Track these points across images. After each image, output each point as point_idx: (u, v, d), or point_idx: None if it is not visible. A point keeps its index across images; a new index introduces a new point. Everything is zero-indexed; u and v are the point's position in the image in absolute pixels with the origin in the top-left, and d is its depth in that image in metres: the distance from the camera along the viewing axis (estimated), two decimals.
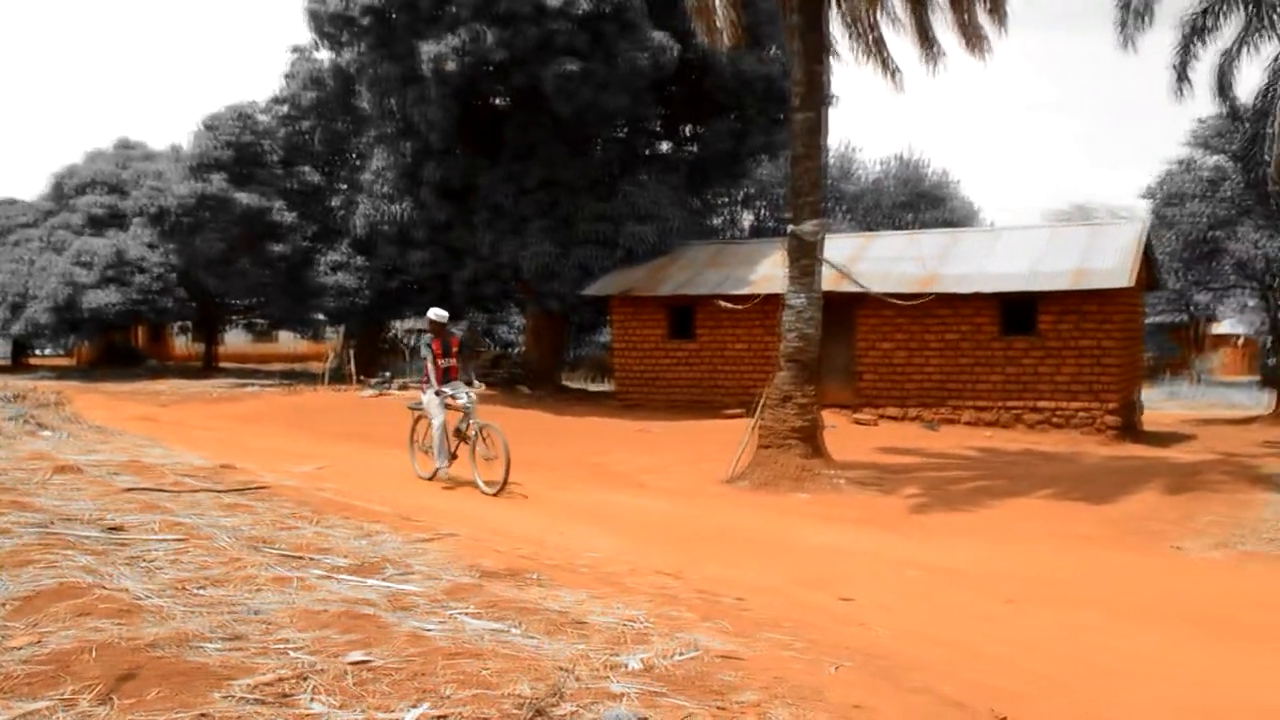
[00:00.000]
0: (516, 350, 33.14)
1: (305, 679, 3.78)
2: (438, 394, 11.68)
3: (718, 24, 13.86)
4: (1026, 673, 5.30)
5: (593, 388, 29.32)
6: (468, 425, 11.57)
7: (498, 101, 24.12)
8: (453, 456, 11.74)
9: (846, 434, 17.69)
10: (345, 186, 29.42)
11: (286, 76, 29.51)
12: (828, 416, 17.58)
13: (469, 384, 11.96)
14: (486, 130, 23.87)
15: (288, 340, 45.41)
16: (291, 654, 4.07)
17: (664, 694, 3.85)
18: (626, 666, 4.20)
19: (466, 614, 4.93)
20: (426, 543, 7.05)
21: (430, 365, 11.78)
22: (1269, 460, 14.88)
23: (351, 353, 29.79)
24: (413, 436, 12.58)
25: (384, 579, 5.69)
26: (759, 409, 13.64)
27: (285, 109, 29.50)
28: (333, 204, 29.30)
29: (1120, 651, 5.87)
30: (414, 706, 3.55)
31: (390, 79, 22.53)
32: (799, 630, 5.46)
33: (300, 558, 6.10)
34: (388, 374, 26.70)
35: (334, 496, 9.44)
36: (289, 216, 28.69)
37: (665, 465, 14.30)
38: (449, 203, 23.86)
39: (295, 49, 29.12)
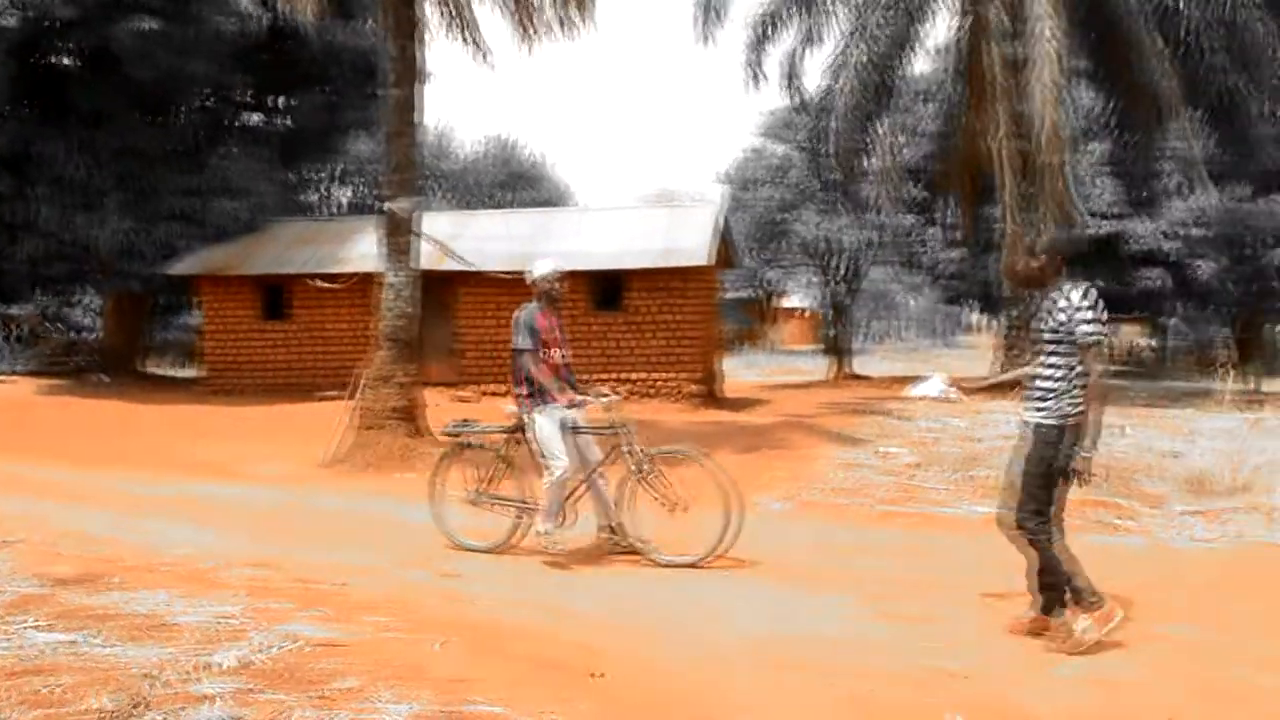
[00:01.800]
0: (94, 335, 30.34)
1: None
2: (569, 407, 7.24)
3: None
4: (619, 629, 5.62)
5: (181, 373, 27.54)
6: (616, 453, 7.26)
7: (65, 62, 21.88)
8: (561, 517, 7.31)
9: (450, 412, 17.80)
10: None
11: None
12: (431, 395, 17.56)
13: (572, 386, 7.54)
14: (51, 93, 21.57)
15: None
16: None
17: (260, 690, 3.75)
18: (219, 666, 4.04)
19: (33, 627, 4.52)
20: None
21: (533, 365, 7.25)
22: (827, 419, 16.58)
23: None
24: (437, 479, 7.86)
25: None
26: (359, 390, 13.41)
27: None
28: None
29: (693, 597, 6.36)
30: None
31: None
32: (403, 610, 5.47)
33: None
34: None
35: None
36: None
37: (262, 452, 13.71)
38: (4, 173, 21.35)
39: None
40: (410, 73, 13.23)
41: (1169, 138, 19.38)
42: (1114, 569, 6.86)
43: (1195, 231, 27.73)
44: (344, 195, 37.17)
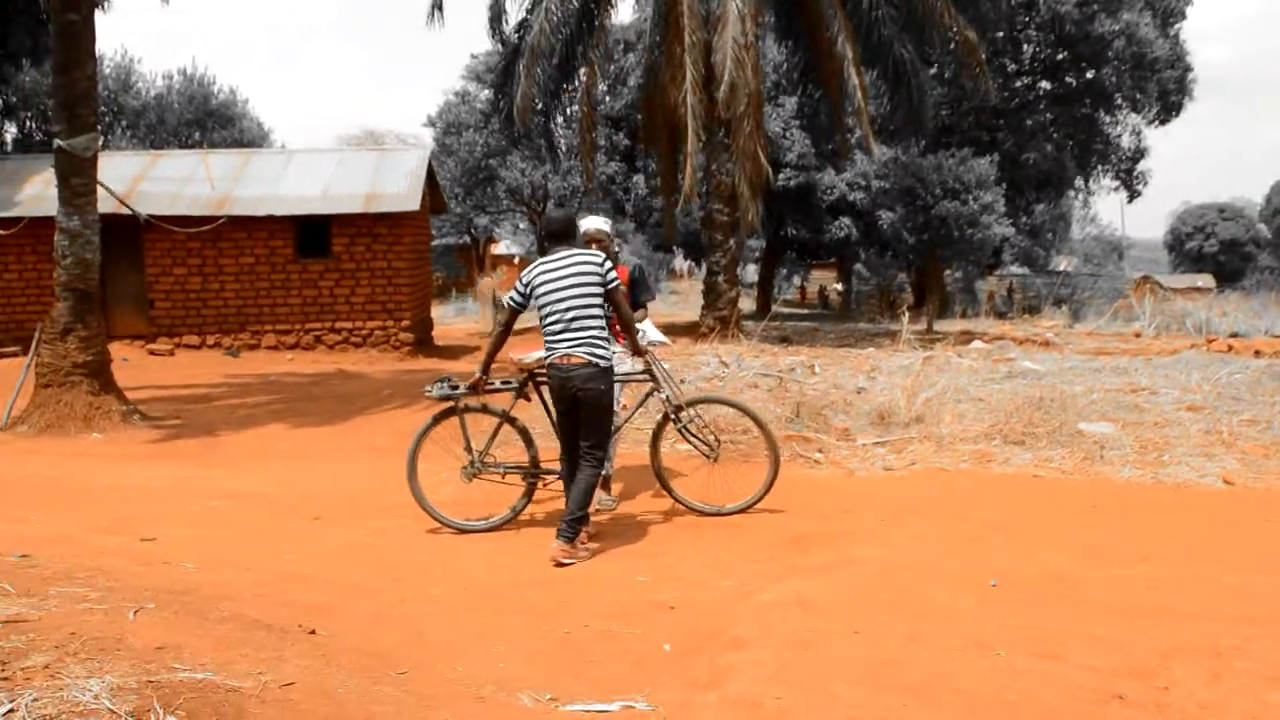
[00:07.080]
0: None
1: None
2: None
3: None
4: (333, 584, 5.52)
5: None
6: (665, 403, 6.90)
7: None
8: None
9: (142, 366, 16.72)
10: None
11: None
12: (120, 349, 16.47)
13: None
14: None
15: None
16: None
17: None
18: None
19: None
20: None
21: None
22: None
23: None
24: (419, 448, 6.78)
25: None
26: (36, 345, 12.36)
27: None
28: None
29: (416, 549, 6.33)
30: None
31: None
32: (96, 579, 5.13)
33: None
34: None
35: None
36: None
37: None
38: None
39: None
40: None
41: (850, 96, 20.59)
42: (810, 498, 7.37)
43: (877, 184, 29.76)
44: (11, 130, 33.81)
